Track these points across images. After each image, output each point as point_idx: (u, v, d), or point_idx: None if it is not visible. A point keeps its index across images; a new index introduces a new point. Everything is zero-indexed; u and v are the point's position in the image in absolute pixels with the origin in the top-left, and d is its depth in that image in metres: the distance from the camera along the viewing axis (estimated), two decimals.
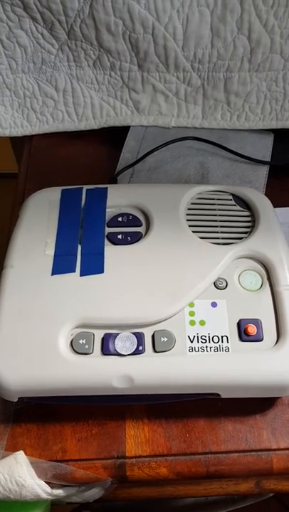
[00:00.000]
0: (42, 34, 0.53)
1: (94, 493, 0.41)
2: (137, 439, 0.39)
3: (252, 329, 0.38)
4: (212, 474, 0.38)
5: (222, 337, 0.38)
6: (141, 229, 0.43)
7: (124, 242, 0.42)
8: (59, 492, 0.39)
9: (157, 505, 0.56)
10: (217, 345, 0.37)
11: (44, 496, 0.38)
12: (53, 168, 0.58)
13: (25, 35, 0.53)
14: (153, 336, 0.37)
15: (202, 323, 0.38)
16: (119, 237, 0.42)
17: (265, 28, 0.50)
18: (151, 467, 0.38)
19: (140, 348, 0.37)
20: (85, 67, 0.55)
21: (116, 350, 0.37)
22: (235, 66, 0.53)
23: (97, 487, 0.40)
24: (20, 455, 0.38)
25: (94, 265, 0.40)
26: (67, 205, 0.44)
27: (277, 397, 0.41)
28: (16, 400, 0.37)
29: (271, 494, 0.50)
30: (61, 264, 0.40)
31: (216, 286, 0.40)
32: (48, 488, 0.38)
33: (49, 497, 0.38)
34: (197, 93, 0.56)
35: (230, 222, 0.43)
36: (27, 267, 0.40)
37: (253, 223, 0.44)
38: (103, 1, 0.49)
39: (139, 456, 0.38)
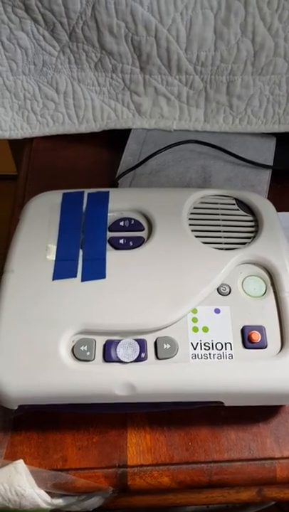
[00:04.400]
0: (43, 36, 0.52)
1: (94, 502, 0.40)
2: (139, 448, 0.38)
3: (256, 336, 0.37)
4: (215, 483, 0.38)
5: (225, 344, 0.37)
6: (143, 234, 0.42)
7: (126, 246, 0.41)
8: (59, 501, 0.38)
9: None
10: (220, 352, 0.37)
11: (44, 505, 0.37)
12: (53, 171, 0.58)
13: (27, 37, 0.52)
14: (155, 343, 0.37)
15: (205, 329, 0.38)
16: (121, 241, 0.41)
17: (269, 32, 0.49)
18: (153, 476, 0.38)
19: (142, 355, 0.36)
20: (86, 69, 0.55)
21: (118, 358, 0.36)
22: (238, 69, 0.53)
23: (98, 496, 0.39)
24: (20, 464, 0.37)
25: (95, 270, 0.39)
26: (69, 209, 0.44)
27: (281, 405, 0.40)
28: (15, 408, 0.37)
29: (273, 502, 0.50)
30: (62, 269, 0.40)
31: (219, 292, 0.39)
32: (47, 498, 0.37)
33: (49, 507, 0.38)
34: (199, 96, 0.56)
35: (234, 227, 0.43)
36: (27, 272, 0.40)
37: (256, 228, 0.43)
38: (106, 3, 0.48)
39: (141, 465, 0.38)
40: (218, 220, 0.43)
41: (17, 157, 0.64)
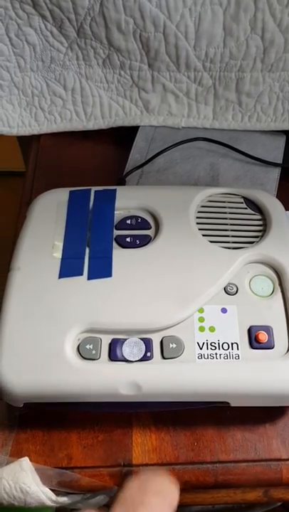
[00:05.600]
0: (51, 32, 0.52)
1: (99, 500, 0.40)
2: (144, 447, 0.38)
3: (263, 336, 0.37)
4: (220, 484, 0.38)
5: (232, 344, 0.37)
6: (150, 232, 0.42)
7: (132, 245, 0.41)
8: (64, 499, 0.38)
9: None
10: (227, 352, 0.36)
11: (49, 503, 0.37)
12: (61, 168, 0.57)
13: (34, 33, 0.52)
14: (161, 342, 0.37)
15: (212, 329, 0.37)
16: (128, 240, 0.41)
17: (279, 28, 0.49)
18: None
19: (148, 354, 0.36)
20: (94, 65, 0.55)
21: (123, 356, 0.36)
22: (247, 66, 0.52)
23: (103, 494, 0.39)
24: (25, 461, 0.37)
25: (102, 269, 0.39)
26: (75, 206, 0.43)
27: (288, 406, 0.40)
28: (21, 406, 0.37)
29: (279, 503, 0.49)
30: (69, 267, 0.39)
31: (226, 292, 0.39)
32: (52, 496, 0.37)
33: (54, 504, 0.38)
34: (208, 93, 0.55)
35: (242, 225, 0.43)
36: (34, 270, 0.39)
37: (264, 227, 0.43)
38: None
39: (146, 465, 0.38)
40: (226, 218, 0.43)
41: (26, 154, 0.64)
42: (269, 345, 0.37)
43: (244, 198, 0.45)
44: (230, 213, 0.43)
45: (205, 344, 0.37)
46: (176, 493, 0.29)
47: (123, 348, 0.36)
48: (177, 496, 0.29)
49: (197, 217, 0.43)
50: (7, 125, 0.58)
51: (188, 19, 0.49)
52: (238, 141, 0.56)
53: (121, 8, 0.49)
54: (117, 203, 0.44)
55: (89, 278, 0.39)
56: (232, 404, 0.37)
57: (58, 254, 0.40)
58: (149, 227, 0.42)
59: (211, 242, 0.41)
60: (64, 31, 0.52)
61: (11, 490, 0.36)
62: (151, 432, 0.39)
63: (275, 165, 0.54)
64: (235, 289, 0.39)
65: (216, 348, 0.37)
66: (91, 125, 0.58)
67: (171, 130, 0.58)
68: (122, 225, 0.42)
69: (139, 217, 0.43)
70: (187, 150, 0.56)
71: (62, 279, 0.39)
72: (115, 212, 0.43)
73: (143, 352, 0.36)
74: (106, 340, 0.37)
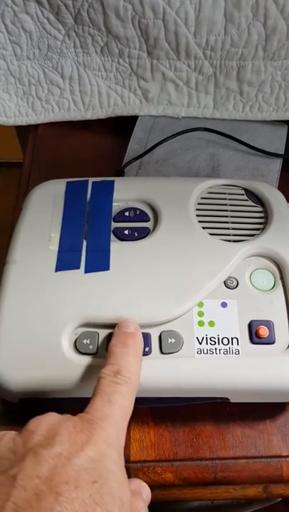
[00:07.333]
0: (48, 19, 0.51)
1: None
2: (142, 443, 0.38)
3: (263, 331, 0.36)
4: (219, 480, 0.37)
5: (232, 339, 0.36)
6: (148, 224, 0.41)
7: (131, 237, 0.40)
8: None
9: (161, 508, 0.55)
10: (227, 347, 0.36)
11: None
12: (58, 159, 0.56)
13: (31, 20, 0.51)
14: (160, 337, 0.36)
15: (211, 324, 0.37)
16: (126, 232, 0.40)
17: (282, 14, 0.47)
18: (156, 472, 0.37)
19: (146, 349, 0.35)
20: (92, 53, 0.53)
21: None
22: (249, 54, 0.51)
23: None
24: None
25: (99, 262, 0.38)
26: (73, 198, 0.43)
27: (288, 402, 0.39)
28: (17, 402, 0.36)
29: (279, 499, 0.49)
30: (65, 260, 0.39)
31: (226, 286, 0.38)
32: None
33: None
34: (209, 82, 0.54)
35: (242, 218, 0.42)
36: (30, 263, 0.39)
37: (265, 219, 0.42)
38: None
39: (144, 461, 0.37)
40: (226, 210, 0.42)
41: (24, 144, 0.63)
42: (270, 341, 0.36)
43: (245, 189, 0.44)
44: (230, 205, 0.42)
45: (204, 339, 0.36)
46: None
47: None
48: None
49: (197, 210, 0.42)
50: (4, 115, 0.57)
51: (189, 5, 0.48)
52: (239, 131, 0.55)
53: None
54: (115, 195, 0.43)
55: (86, 271, 0.38)
56: (232, 400, 0.36)
57: (55, 247, 0.39)
58: (147, 220, 0.42)
59: (211, 234, 0.40)
60: (61, 18, 0.50)
61: None
62: (149, 428, 0.38)
63: (277, 156, 0.53)
64: (235, 283, 0.38)
65: (215, 343, 0.36)
66: (89, 115, 0.57)
67: (170, 120, 0.57)
68: (120, 217, 0.41)
69: (138, 209, 0.42)
70: (187, 140, 0.55)
71: (58, 273, 0.38)
72: (113, 204, 0.42)
73: None
74: (103, 334, 0.36)
